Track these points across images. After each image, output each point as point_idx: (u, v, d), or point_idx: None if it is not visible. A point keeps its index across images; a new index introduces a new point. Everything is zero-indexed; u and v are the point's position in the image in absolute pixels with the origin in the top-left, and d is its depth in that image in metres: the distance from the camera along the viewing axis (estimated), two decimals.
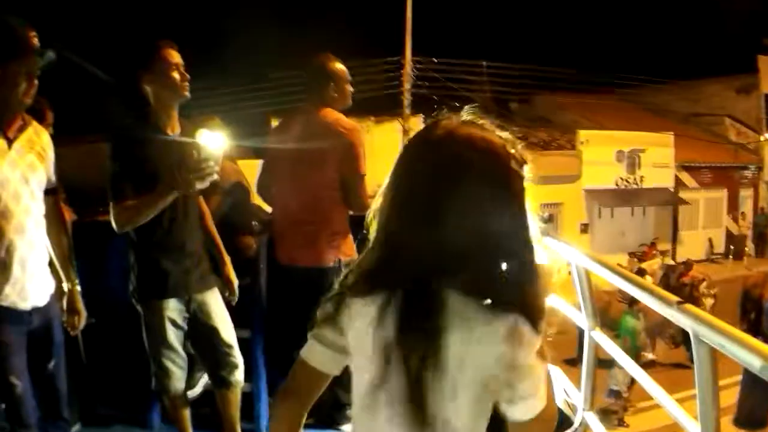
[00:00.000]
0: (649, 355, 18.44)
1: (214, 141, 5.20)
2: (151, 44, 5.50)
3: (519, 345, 2.25)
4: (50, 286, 4.94)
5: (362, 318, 2.38)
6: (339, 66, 6.69)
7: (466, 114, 2.41)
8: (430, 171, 2.29)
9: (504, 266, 2.27)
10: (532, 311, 2.28)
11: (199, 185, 5.24)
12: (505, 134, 2.36)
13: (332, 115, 6.60)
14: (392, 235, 2.34)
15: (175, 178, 5.23)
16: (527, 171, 2.32)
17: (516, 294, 2.26)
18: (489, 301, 2.25)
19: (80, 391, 5.94)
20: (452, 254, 2.23)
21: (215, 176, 5.26)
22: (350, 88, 6.83)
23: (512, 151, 2.30)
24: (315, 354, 2.58)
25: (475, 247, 2.23)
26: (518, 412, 2.37)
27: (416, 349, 2.26)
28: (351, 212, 6.70)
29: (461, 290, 2.26)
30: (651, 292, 3.77)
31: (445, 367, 2.26)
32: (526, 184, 2.31)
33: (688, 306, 3.29)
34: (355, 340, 2.43)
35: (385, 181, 2.41)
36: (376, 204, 2.43)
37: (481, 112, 2.41)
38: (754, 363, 2.61)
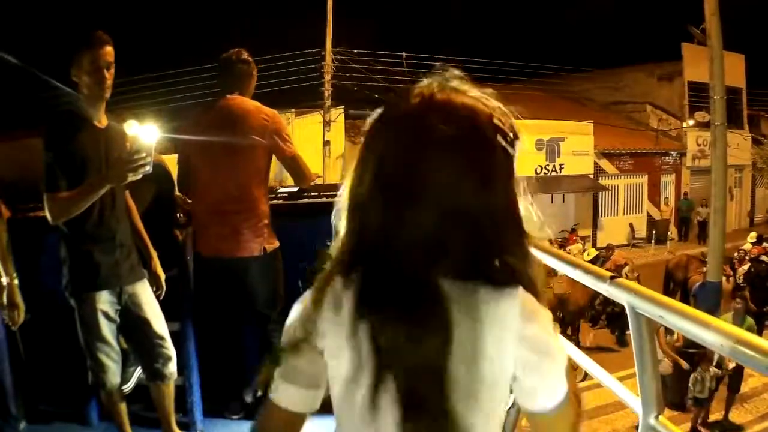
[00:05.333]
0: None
1: (146, 133, 5.16)
2: (85, 36, 5.39)
3: (536, 320, 2.04)
4: None
5: (338, 326, 2.07)
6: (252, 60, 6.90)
7: (449, 78, 2.11)
8: (403, 148, 2.00)
9: (495, 245, 2.03)
10: (533, 286, 2.07)
11: (132, 177, 5.20)
12: (494, 102, 2.10)
13: (252, 103, 6.70)
14: (370, 224, 2.04)
15: (108, 170, 5.21)
16: (517, 145, 2.08)
17: (513, 271, 2.04)
18: (488, 282, 2.02)
19: (22, 389, 5.87)
20: (439, 238, 1.98)
21: (148, 168, 5.21)
22: None
23: (499, 122, 2.04)
24: (286, 395, 2.22)
25: (461, 228, 1.98)
26: (543, 398, 2.10)
27: (424, 353, 1.98)
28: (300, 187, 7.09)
29: (455, 276, 2.01)
30: (584, 269, 3.78)
31: (459, 365, 1.99)
32: (515, 158, 2.07)
33: (622, 280, 3.30)
34: (332, 347, 2.10)
35: (354, 163, 2.10)
36: (343, 192, 2.12)
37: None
38: (698, 333, 2.62)
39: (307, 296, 2.16)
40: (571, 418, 2.15)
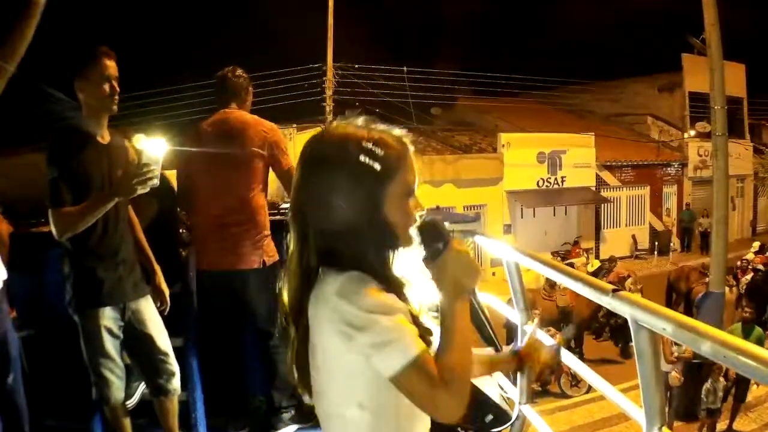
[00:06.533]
0: None
1: (154, 146, 5.18)
2: (89, 50, 5.42)
3: (349, 298, 2.50)
4: None
5: None
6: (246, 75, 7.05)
7: (355, 117, 2.75)
8: (300, 166, 2.75)
9: (355, 243, 2.63)
10: (373, 270, 2.61)
11: (140, 191, 5.21)
12: (377, 128, 2.72)
13: (250, 116, 6.80)
14: (290, 223, 2.75)
15: (117, 184, 5.25)
16: (383, 162, 2.62)
17: (360, 259, 2.61)
18: (340, 268, 2.58)
19: (28, 404, 5.90)
20: (318, 233, 2.64)
21: (156, 182, 5.23)
22: None
23: (366, 143, 2.61)
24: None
25: (328, 226, 2.63)
26: (380, 366, 2.51)
27: (290, 316, 2.74)
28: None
29: (325, 263, 2.63)
30: (585, 282, 3.79)
31: (308, 330, 2.66)
32: (380, 172, 2.61)
33: (625, 293, 3.31)
34: None
35: None
36: None
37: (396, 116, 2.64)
38: (701, 345, 2.63)
39: None
40: (415, 389, 2.51)
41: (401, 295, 2.66)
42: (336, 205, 2.59)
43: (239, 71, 6.88)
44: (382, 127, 2.73)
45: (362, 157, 2.58)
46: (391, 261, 2.72)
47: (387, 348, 2.47)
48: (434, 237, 2.71)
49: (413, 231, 2.71)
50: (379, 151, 2.60)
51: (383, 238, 2.66)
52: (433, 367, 2.49)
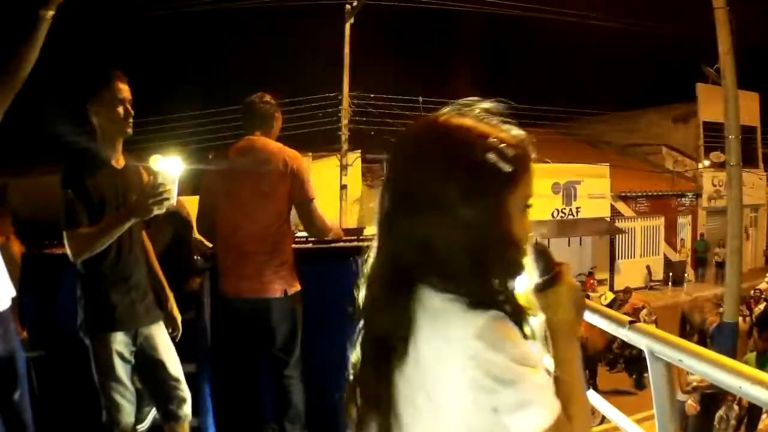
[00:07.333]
0: None
1: (170, 166, 5.18)
2: (102, 74, 5.43)
3: (493, 343, 2.03)
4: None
5: None
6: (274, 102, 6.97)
7: (472, 108, 2.29)
8: (402, 164, 2.26)
9: (479, 262, 2.12)
10: (513, 310, 2.13)
11: (157, 210, 5.19)
12: (501, 126, 2.26)
13: (274, 144, 6.73)
14: (382, 233, 2.25)
15: (133, 204, 5.26)
16: (515, 166, 2.17)
17: (492, 291, 2.13)
18: (464, 298, 2.09)
19: (36, 426, 5.90)
20: (424, 248, 2.13)
21: (172, 201, 5.22)
22: None
23: (493, 141, 2.15)
24: None
25: (445, 242, 2.12)
26: (515, 426, 2.06)
27: (383, 348, 2.20)
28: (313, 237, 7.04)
29: (435, 286, 2.14)
30: (602, 314, 3.77)
31: (415, 366, 2.14)
32: (510, 176, 2.16)
33: (641, 324, 3.31)
34: None
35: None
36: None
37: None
38: (717, 376, 2.61)
39: None
40: None
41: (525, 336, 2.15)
42: (453, 213, 2.11)
43: (267, 97, 6.86)
44: (498, 123, 2.26)
45: (491, 156, 2.12)
46: (514, 291, 2.21)
47: (533, 407, 2.05)
48: (546, 264, 2.35)
49: (529, 254, 2.28)
50: (509, 150, 2.16)
51: (509, 260, 2.18)
52: (569, 426, 2.11)
